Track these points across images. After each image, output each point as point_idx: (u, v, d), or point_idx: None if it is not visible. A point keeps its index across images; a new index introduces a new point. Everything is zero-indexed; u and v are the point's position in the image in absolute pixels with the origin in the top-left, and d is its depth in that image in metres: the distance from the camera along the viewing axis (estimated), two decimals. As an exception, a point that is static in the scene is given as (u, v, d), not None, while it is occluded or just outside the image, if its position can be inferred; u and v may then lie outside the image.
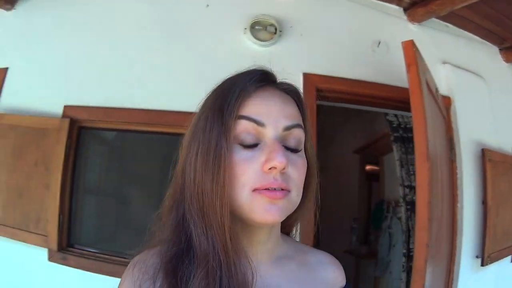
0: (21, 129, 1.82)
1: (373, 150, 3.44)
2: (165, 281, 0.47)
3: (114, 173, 1.88)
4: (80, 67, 1.89)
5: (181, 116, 1.59)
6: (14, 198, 1.81)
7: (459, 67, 2.09)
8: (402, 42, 1.39)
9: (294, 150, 0.52)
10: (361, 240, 3.56)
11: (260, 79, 0.54)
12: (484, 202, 1.94)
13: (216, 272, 0.46)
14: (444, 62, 2.06)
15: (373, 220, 3.35)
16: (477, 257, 1.89)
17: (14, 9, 2.34)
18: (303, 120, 0.57)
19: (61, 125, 1.72)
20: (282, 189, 0.49)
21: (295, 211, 0.55)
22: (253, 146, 0.50)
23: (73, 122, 1.74)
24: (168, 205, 0.56)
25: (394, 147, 2.69)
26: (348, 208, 3.78)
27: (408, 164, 2.66)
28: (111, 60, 1.87)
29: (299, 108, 0.57)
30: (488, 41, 2.34)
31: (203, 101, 0.57)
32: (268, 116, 0.50)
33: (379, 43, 1.94)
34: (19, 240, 1.77)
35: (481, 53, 2.30)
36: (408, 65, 1.35)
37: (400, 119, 2.67)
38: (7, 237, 1.81)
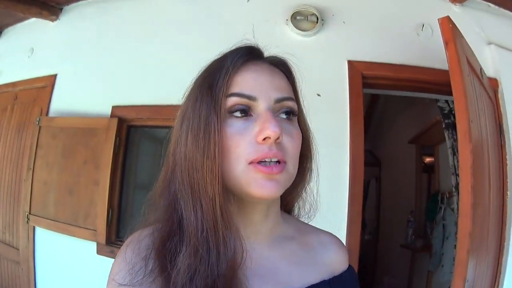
0: (71, 130, 1.93)
1: (428, 139, 3.34)
2: (156, 262, 0.46)
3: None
4: (126, 69, 1.96)
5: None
6: (64, 196, 1.91)
7: (505, 48, 1.96)
8: (439, 19, 1.29)
9: (287, 121, 0.51)
10: (417, 234, 3.49)
11: (247, 54, 0.53)
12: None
13: (203, 248, 0.45)
14: (489, 43, 1.93)
15: (427, 212, 3.28)
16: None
17: (59, 19, 2.50)
18: (294, 91, 0.56)
19: (110, 124, 1.79)
20: (278, 162, 0.48)
21: (293, 186, 0.54)
22: (245, 119, 0.49)
23: (121, 121, 1.81)
24: (160, 185, 0.55)
25: (446, 135, 2.56)
26: (405, 201, 3.68)
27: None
28: (155, 60, 1.92)
29: (289, 80, 0.56)
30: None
31: (191, 84, 0.56)
32: (259, 90, 0.49)
33: (423, 26, 1.85)
34: (70, 235, 1.86)
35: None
36: (446, 42, 1.26)
37: (451, 105, 2.50)
38: (58, 232, 1.91)
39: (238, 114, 0.49)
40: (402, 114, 3.82)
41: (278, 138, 0.47)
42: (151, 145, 1.98)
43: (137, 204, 1.89)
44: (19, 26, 2.86)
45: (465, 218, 1.15)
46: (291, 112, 0.52)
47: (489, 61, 1.91)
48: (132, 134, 1.87)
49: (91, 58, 2.12)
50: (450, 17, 1.29)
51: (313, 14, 1.79)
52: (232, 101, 0.49)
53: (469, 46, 1.50)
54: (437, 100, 2.63)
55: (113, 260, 0.51)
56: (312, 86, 1.71)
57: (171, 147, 0.54)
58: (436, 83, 1.81)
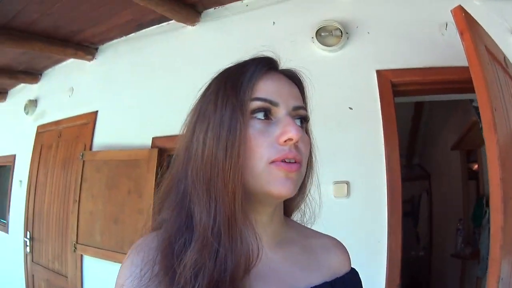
0: (113, 163, 2.04)
1: (469, 143, 3.24)
2: (162, 263, 0.46)
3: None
4: (161, 100, 2.06)
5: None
6: (110, 224, 2.00)
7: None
8: (451, 10, 1.26)
9: (301, 127, 0.54)
10: (466, 241, 3.37)
11: (268, 64, 0.56)
12: None
13: (212, 244, 0.46)
14: (513, 32, 1.83)
15: (474, 217, 3.17)
16: None
17: (95, 59, 2.69)
18: (305, 102, 0.59)
19: (151, 155, 1.88)
20: (296, 162, 0.50)
21: (298, 191, 0.55)
22: (266, 122, 0.51)
23: (161, 151, 1.89)
24: (167, 185, 0.55)
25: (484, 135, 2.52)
26: (454, 210, 3.53)
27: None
28: (188, 89, 2.01)
29: (301, 91, 0.59)
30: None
31: (207, 86, 0.58)
32: (280, 96, 0.52)
33: (446, 25, 1.78)
34: (115, 261, 1.93)
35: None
36: (461, 33, 1.21)
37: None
38: (104, 259, 2.00)
39: (261, 116, 0.51)
40: (445, 121, 3.73)
41: (297, 141, 0.50)
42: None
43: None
44: (58, 67, 3.10)
45: (496, 213, 1.10)
46: (305, 120, 0.56)
47: (514, 50, 1.83)
48: (174, 163, 1.94)
49: (128, 93, 2.25)
50: (464, 7, 1.25)
51: (337, 29, 1.80)
52: (256, 104, 0.51)
53: (489, 35, 1.43)
54: (471, 101, 2.55)
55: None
56: (343, 100, 1.74)
57: (182, 145, 0.55)
58: (466, 81, 1.68)
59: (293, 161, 0.50)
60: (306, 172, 0.56)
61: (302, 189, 0.58)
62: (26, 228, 2.91)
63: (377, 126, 1.67)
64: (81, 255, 2.24)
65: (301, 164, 0.51)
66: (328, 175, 1.62)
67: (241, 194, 0.48)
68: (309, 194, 0.62)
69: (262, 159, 0.49)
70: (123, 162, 2.00)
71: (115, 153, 2.06)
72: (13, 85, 3.68)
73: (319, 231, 0.65)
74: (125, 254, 1.81)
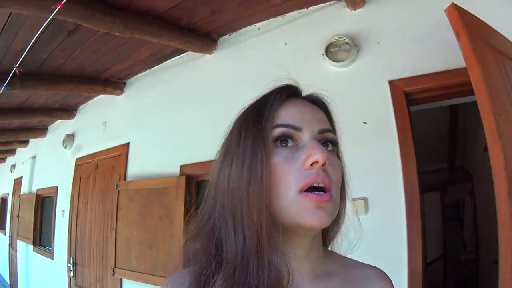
0: (145, 191, 2.16)
1: None
2: None
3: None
4: (187, 129, 2.17)
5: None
6: (145, 249, 2.12)
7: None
8: (445, 10, 1.17)
9: (329, 152, 0.52)
10: None
11: (288, 90, 0.56)
12: None
13: (241, 274, 0.45)
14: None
15: None
16: None
17: (124, 93, 2.88)
18: (332, 125, 0.58)
19: (178, 182, 1.99)
20: (324, 190, 0.48)
21: (335, 219, 0.53)
22: (291, 149, 0.50)
23: (189, 178, 1.99)
24: (199, 220, 0.55)
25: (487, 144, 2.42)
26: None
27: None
28: (211, 116, 2.09)
29: (327, 115, 0.58)
30: None
31: (232, 123, 0.58)
32: (302, 120, 0.51)
33: None
34: (151, 283, 2.06)
35: None
36: (457, 34, 1.12)
37: None
38: (141, 282, 2.13)
39: (284, 143, 0.50)
40: (480, 121, 3.58)
41: (324, 163, 0.48)
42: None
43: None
44: (91, 102, 3.34)
45: (505, 230, 1.00)
46: (332, 143, 0.54)
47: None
48: (203, 188, 2.03)
49: (155, 123, 2.39)
50: (458, 4, 1.14)
51: (346, 43, 1.79)
52: (278, 131, 0.50)
53: (494, 30, 1.31)
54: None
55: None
56: (357, 114, 1.72)
57: (212, 181, 0.55)
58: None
59: (322, 186, 0.48)
60: (340, 199, 0.54)
61: (336, 217, 0.55)
62: (69, 254, 3.12)
63: (393, 138, 1.64)
64: (120, 279, 2.37)
65: (332, 191, 0.49)
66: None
67: (267, 224, 0.47)
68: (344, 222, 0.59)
69: (291, 188, 0.48)
70: (153, 190, 2.12)
71: (146, 182, 2.19)
72: (51, 122, 4.01)
73: (362, 261, 0.62)
74: (160, 276, 1.92)
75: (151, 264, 2.09)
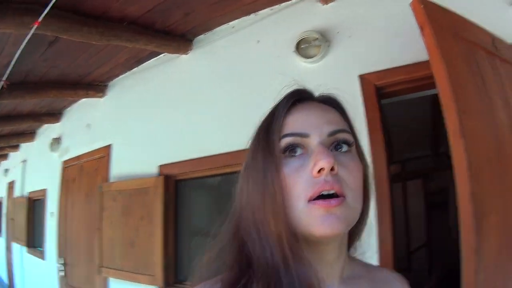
0: (126, 192, 2.20)
1: None
2: None
3: (215, 214, 2.00)
4: (166, 130, 2.20)
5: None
6: (127, 248, 2.17)
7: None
8: (410, 4, 1.12)
9: (344, 154, 0.50)
10: None
11: (294, 96, 0.55)
12: None
13: (274, 282, 0.45)
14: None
15: None
16: None
17: (106, 95, 2.89)
18: (349, 125, 0.56)
19: (157, 182, 2.02)
20: (336, 196, 0.46)
21: (359, 222, 0.52)
22: (300, 157, 0.49)
23: (168, 178, 2.03)
24: (226, 233, 0.55)
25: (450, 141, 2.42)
26: None
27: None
28: (188, 117, 2.13)
29: (342, 115, 0.56)
30: None
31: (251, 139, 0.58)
32: (310, 126, 0.50)
33: None
34: (134, 281, 2.12)
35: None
36: (421, 28, 1.08)
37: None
38: (124, 279, 2.19)
39: (292, 153, 0.49)
40: None
41: (333, 169, 0.46)
42: (203, 193, 2.14)
43: (194, 249, 2.01)
44: (76, 106, 3.36)
45: (468, 233, 0.96)
46: (347, 144, 0.52)
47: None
48: (182, 187, 2.08)
49: (136, 124, 2.42)
50: None
51: (316, 39, 1.77)
52: (285, 141, 0.50)
53: (467, 21, 1.26)
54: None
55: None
56: None
57: (237, 197, 0.55)
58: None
59: (333, 193, 0.46)
60: (363, 203, 0.52)
61: (362, 221, 0.55)
62: (59, 255, 3.18)
63: (363, 133, 1.62)
64: (106, 278, 2.43)
65: (344, 196, 0.47)
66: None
67: (287, 237, 0.46)
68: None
69: (300, 198, 0.47)
70: (134, 190, 2.16)
71: (127, 183, 2.23)
72: (39, 126, 4.04)
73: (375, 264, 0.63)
74: (142, 274, 1.98)
75: (134, 263, 2.14)
